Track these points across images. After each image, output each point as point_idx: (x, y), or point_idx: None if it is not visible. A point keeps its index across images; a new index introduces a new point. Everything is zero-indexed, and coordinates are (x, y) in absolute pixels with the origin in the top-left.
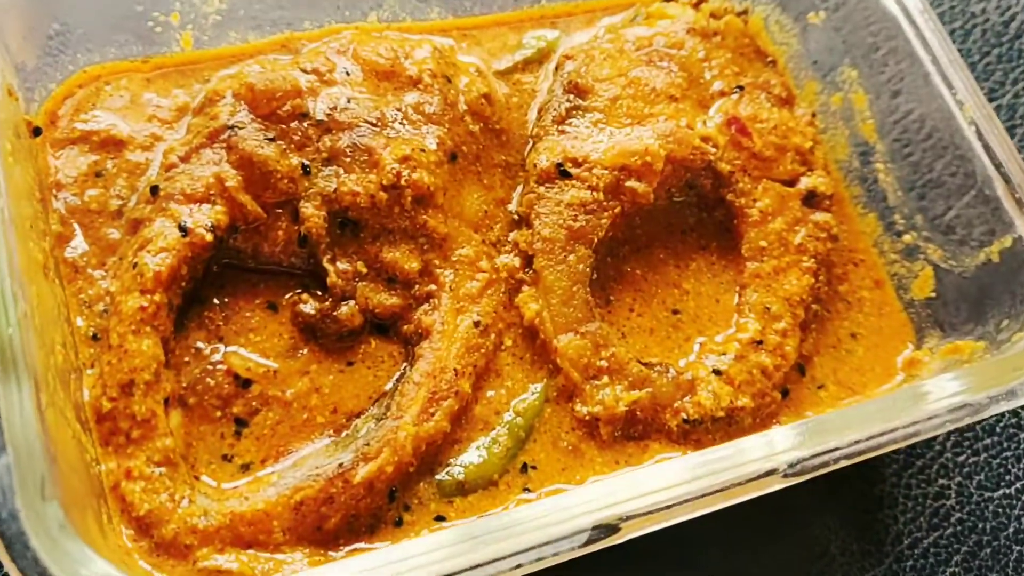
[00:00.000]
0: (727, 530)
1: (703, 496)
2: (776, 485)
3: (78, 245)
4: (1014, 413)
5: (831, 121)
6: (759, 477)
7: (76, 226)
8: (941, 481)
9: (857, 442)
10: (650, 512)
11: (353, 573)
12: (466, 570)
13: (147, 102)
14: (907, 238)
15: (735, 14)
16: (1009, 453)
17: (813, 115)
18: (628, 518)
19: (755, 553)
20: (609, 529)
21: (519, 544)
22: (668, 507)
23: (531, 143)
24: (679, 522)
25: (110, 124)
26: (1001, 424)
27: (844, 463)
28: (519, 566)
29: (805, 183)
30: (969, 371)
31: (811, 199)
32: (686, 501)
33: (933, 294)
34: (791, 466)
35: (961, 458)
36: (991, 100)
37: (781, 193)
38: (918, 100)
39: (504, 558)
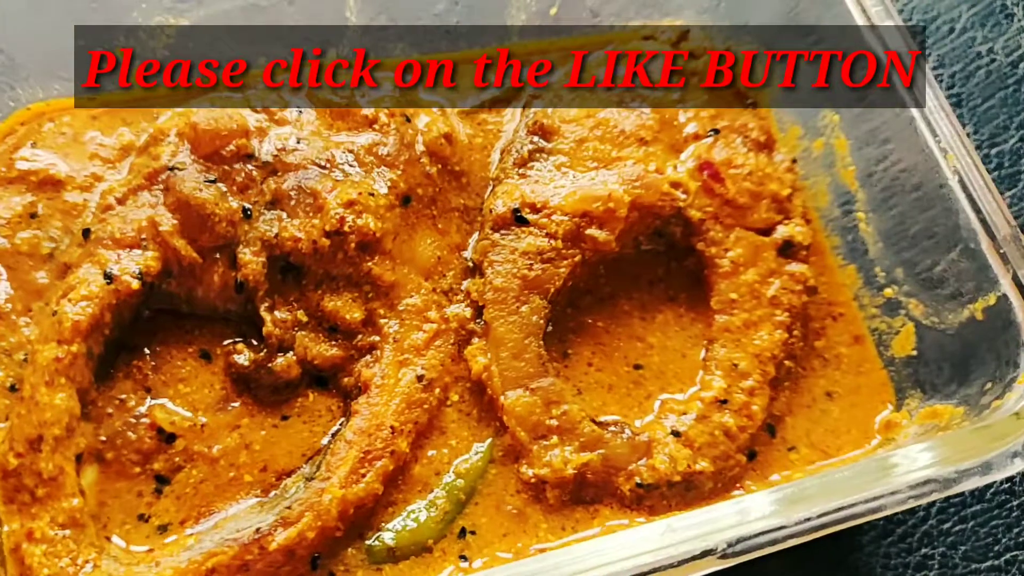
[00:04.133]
0: None
1: None
2: (712, 567)
3: (3, 289)
4: (1006, 479)
5: (812, 168)
6: (692, 559)
7: (2, 269)
8: (924, 551)
9: (807, 520)
10: None
11: None
12: None
13: (90, 140)
14: (888, 292)
15: (715, 53)
16: (999, 522)
17: (793, 161)
18: None
19: None
20: None
21: None
22: None
23: (491, 186)
24: None
25: (49, 163)
26: (991, 491)
27: (792, 543)
28: None
29: (781, 232)
30: (942, 441)
31: (787, 249)
32: None
33: (914, 352)
34: (730, 545)
35: (946, 525)
36: (992, 146)
37: (755, 243)
38: (901, 147)
39: None
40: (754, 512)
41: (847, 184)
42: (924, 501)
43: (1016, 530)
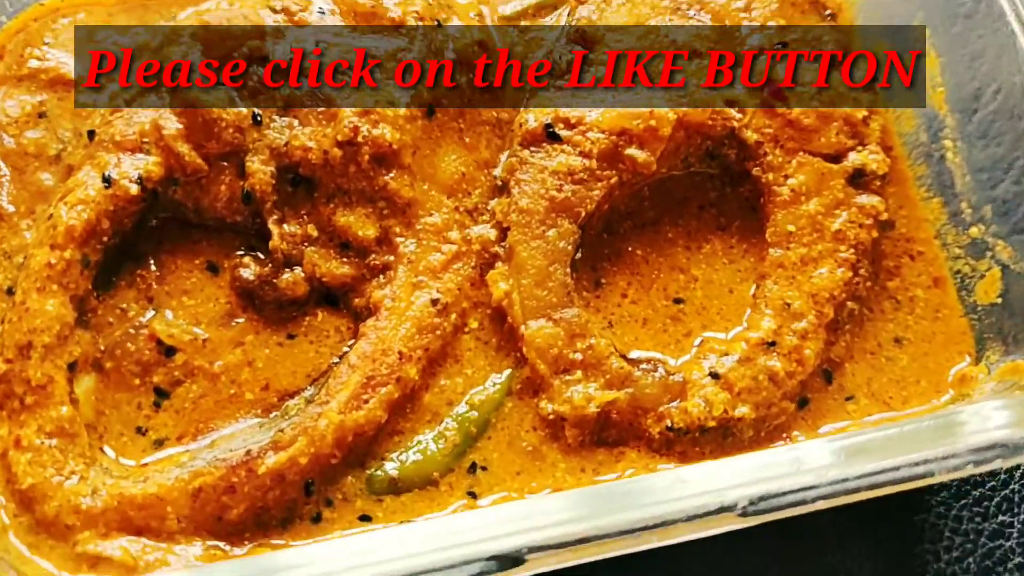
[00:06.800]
0: (721, 547)
1: (629, 533)
2: (731, 525)
3: (9, 190)
4: None
5: (899, 85)
6: (706, 515)
7: (8, 169)
8: (1002, 518)
9: (844, 480)
10: (558, 546)
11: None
12: None
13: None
14: (974, 231)
15: None
16: None
17: (875, 78)
18: (533, 550)
19: None
20: (510, 561)
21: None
22: (579, 542)
23: (525, 99)
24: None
25: (61, 62)
26: None
27: (822, 504)
28: None
29: (853, 159)
30: (1019, 401)
31: (859, 178)
32: (603, 537)
33: (999, 300)
34: (752, 503)
35: None
36: None
37: (821, 170)
38: (999, 69)
39: None
40: (788, 467)
41: (936, 108)
42: (987, 468)
43: None
